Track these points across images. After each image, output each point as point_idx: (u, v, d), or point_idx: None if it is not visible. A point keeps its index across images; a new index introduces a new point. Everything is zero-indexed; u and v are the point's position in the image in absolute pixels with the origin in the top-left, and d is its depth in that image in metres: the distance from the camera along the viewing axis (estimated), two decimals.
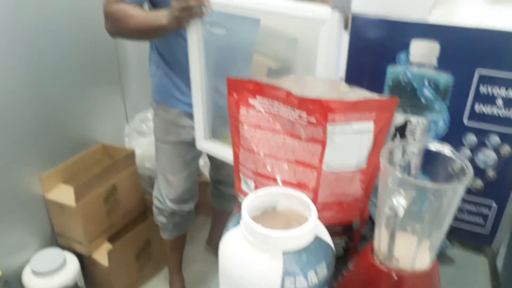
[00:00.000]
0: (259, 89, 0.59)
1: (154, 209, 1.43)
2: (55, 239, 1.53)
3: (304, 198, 0.51)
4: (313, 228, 0.47)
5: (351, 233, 0.63)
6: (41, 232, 1.48)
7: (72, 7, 1.44)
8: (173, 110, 1.26)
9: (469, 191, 0.67)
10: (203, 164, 1.92)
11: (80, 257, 1.48)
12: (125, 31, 1.08)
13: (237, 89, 0.61)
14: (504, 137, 0.62)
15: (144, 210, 1.71)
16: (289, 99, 0.56)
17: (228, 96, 0.63)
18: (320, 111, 0.54)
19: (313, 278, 0.46)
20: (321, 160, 0.56)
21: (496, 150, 0.64)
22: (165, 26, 0.97)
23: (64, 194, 1.42)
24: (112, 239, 1.55)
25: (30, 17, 1.31)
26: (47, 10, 1.36)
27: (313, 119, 0.55)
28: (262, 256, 0.46)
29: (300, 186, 0.59)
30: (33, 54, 1.34)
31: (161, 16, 0.98)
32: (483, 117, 0.63)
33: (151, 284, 1.68)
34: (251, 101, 0.60)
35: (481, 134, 0.64)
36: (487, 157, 0.64)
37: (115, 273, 1.49)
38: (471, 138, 0.64)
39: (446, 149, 0.50)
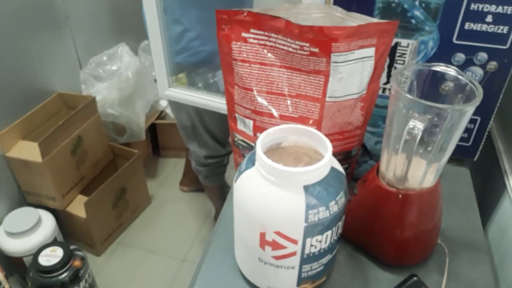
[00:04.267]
0: (253, 21, 0.55)
1: (206, 169, 1.40)
2: (24, 198, 1.46)
3: (316, 132, 0.50)
4: (329, 160, 0.47)
5: (351, 159, 0.65)
6: (7, 192, 1.41)
7: None
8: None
9: None
10: (166, 104, 1.86)
11: (54, 212, 1.44)
12: None
13: (228, 22, 0.57)
14: (492, 53, 0.64)
15: (113, 158, 1.66)
16: (288, 29, 0.53)
17: (217, 30, 0.58)
18: (324, 40, 0.52)
19: (334, 207, 0.47)
20: (324, 92, 0.55)
21: (483, 66, 0.65)
22: None
23: (28, 151, 1.34)
24: (85, 191, 1.51)
25: None
26: None
27: (316, 50, 0.52)
28: (284, 194, 0.46)
29: (302, 120, 0.58)
30: None
31: None
32: (472, 35, 0.63)
33: (131, 230, 1.68)
34: (245, 34, 0.57)
35: (470, 52, 0.65)
36: (474, 74, 0.66)
37: (93, 224, 1.47)
38: (460, 56, 0.65)
39: (451, 70, 0.50)
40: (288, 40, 0.54)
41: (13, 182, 1.42)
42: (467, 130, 0.72)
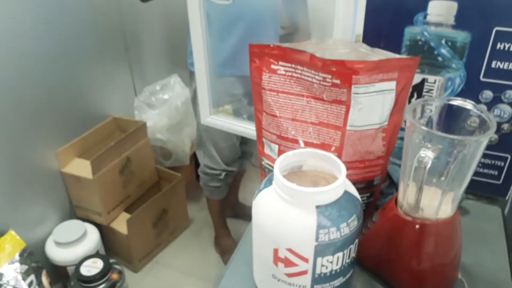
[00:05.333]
0: (282, 54, 0.60)
1: (205, 177, 1.51)
2: (74, 212, 1.57)
3: (331, 156, 0.53)
4: (343, 183, 0.49)
5: (373, 188, 0.66)
6: (60, 205, 1.53)
7: None
8: (226, 79, 1.27)
9: None
10: None
11: (98, 226, 1.53)
12: None
13: (259, 55, 0.62)
14: None
15: (157, 180, 1.75)
16: (312, 62, 0.57)
17: (250, 62, 0.64)
18: (345, 73, 0.55)
19: (345, 229, 0.49)
20: (345, 121, 0.59)
21: (511, 104, 0.66)
22: None
23: (80, 168, 1.45)
24: (129, 210, 1.60)
25: None
26: None
27: (337, 81, 0.56)
28: (296, 212, 0.49)
29: (324, 146, 0.61)
30: (43, 33, 1.34)
31: None
32: (499, 73, 0.64)
33: (168, 250, 1.74)
34: (274, 66, 0.62)
35: (497, 90, 0.65)
36: (503, 111, 0.67)
37: (133, 241, 1.55)
38: (487, 94, 0.66)
39: (468, 104, 0.52)
40: (312, 72, 0.58)
41: (65, 196, 1.54)
42: (497, 167, 0.72)
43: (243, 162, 1.66)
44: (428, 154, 0.47)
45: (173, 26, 1.82)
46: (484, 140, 0.47)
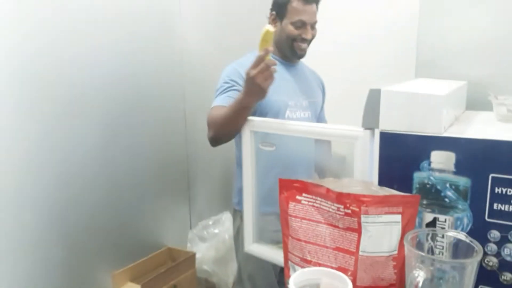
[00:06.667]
0: (305, 187, 0.74)
1: None
2: None
3: (339, 274, 0.61)
4: None
5: None
6: None
7: (150, 123, 1.74)
8: (266, 217, 1.22)
9: (501, 284, 0.73)
10: None
11: None
12: (220, 126, 1.21)
13: (287, 188, 0.77)
14: None
15: None
16: (328, 194, 0.70)
17: (279, 194, 0.78)
18: (355, 204, 0.67)
19: None
20: (357, 247, 0.68)
21: None
22: (244, 98, 1.08)
23: None
24: None
25: (111, 135, 1.59)
26: (128, 125, 1.65)
27: (349, 211, 0.68)
28: None
29: (341, 270, 0.69)
30: (113, 167, 1.60)
31: (240, 94, 1.11)
32: (502, 214, 0.71)
33: None
34: (298, 197, 0.75)
35: (504, 229, 0.72)
36: None
37: None
38: (495, 233, 0.73)
39: (460, 235, 0.60)
40: (329, 202, 0.71)
41: None
42: None
43: None
44: (420, 274, 0.54)
45: (227, 170, 2.08)
46: (474, 262, 0.54)
